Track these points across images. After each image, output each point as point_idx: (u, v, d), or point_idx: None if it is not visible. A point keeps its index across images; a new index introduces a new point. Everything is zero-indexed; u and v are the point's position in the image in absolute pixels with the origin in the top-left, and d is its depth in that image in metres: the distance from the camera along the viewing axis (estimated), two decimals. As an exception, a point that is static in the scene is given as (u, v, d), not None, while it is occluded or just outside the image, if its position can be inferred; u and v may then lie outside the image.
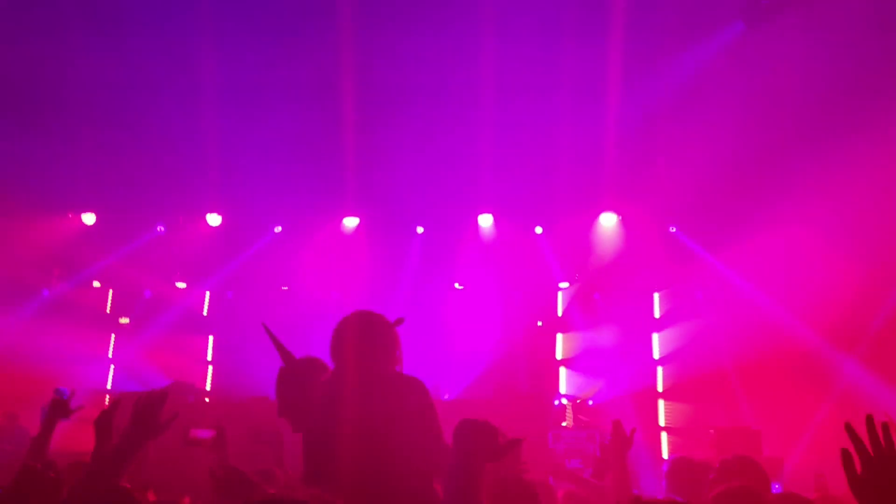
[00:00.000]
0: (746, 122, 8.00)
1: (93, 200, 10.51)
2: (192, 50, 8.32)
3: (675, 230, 10.52)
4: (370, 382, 2.88)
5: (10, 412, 8.93)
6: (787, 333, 9.25)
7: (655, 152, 8.98)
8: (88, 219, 10.71)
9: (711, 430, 7.88)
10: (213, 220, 10.72)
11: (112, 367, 11.29)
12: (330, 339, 3.03)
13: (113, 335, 11.45)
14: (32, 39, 8.13)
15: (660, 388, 10.78)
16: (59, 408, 3.42)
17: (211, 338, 11.57)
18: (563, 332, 11.43)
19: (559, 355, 11.35)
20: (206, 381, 11.29)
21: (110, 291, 11.64)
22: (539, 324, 11.52)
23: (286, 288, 11.35)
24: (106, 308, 11.60)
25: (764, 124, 8.19)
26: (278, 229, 11.09)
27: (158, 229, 11.07)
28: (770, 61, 7.86)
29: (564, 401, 10.87)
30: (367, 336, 2.97)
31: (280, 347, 3.22)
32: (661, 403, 10.61)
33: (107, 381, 11.16)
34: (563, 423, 10.31)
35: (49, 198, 9.86)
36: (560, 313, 11.52)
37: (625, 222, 10.42)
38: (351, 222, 10.81)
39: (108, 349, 11.41)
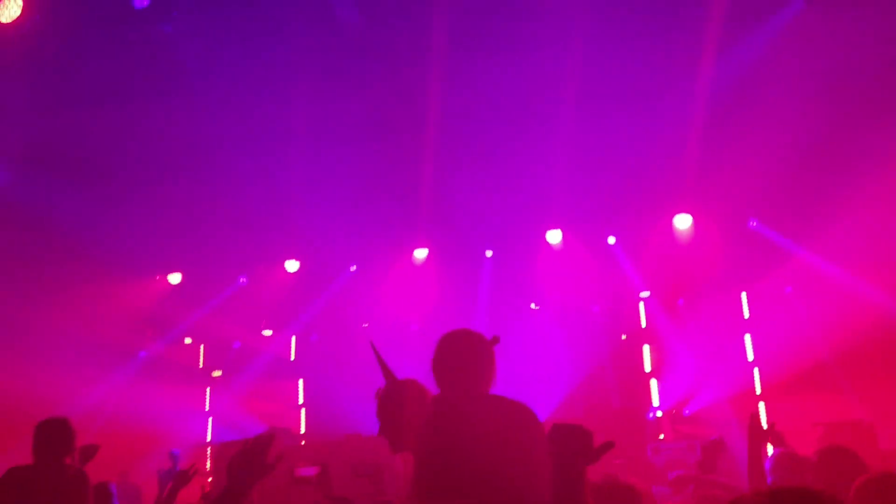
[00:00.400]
0: (817, 103, 7.66)
1: (177, 259, 10.80)
2: (261, 99, 8.43)
3: (755, 224, 10.08)
4: (482, 407, 2.84)
5: (121, 470, 9.34)
6: (890, 317, 8.74)
7: (725, 146, 8.64)
8: (174, 278, 11.11)
9: (819, 426, 7.46)
10: (292, 266, 10.98)
11: (210, 419, 11.69)
12: (432, 359, 3.02)
13: (208, 388, 11.88)
14: (110, 108, 8.39)
15: (758, 390, 10.34)
16: (181, 479, 4.03)
17: (301, 381, 11.83)
18: (649, 343, 11.14)
19: (648, 367, 11.05)
20: (300, 425, 11.52)
21: (202, 346, 12.10)
22: (623, 337, 11.26)
23: (367, 325, 11.50)
24: (199, 363, 12.05)
25: (835, 102, 7.81)
26: (353, 268, 11.26)
27: (241, 281, 11.39)
28: (835, 36, 7.53)
29: (659, 413, 10.57)
30: (472, 356, 2.96)
31: (383, 366, 3.25)
32: (760, 405, 10.17)
33: (206, 433, 11.56)
34: (661, 436, 10.03)
35: (136, 260, 10.14)
36: (644, 324, 11.23)
37: (701, 222, 10.00)
38: (421, 253, 10.82)
39: (204, 402, 11.83)
